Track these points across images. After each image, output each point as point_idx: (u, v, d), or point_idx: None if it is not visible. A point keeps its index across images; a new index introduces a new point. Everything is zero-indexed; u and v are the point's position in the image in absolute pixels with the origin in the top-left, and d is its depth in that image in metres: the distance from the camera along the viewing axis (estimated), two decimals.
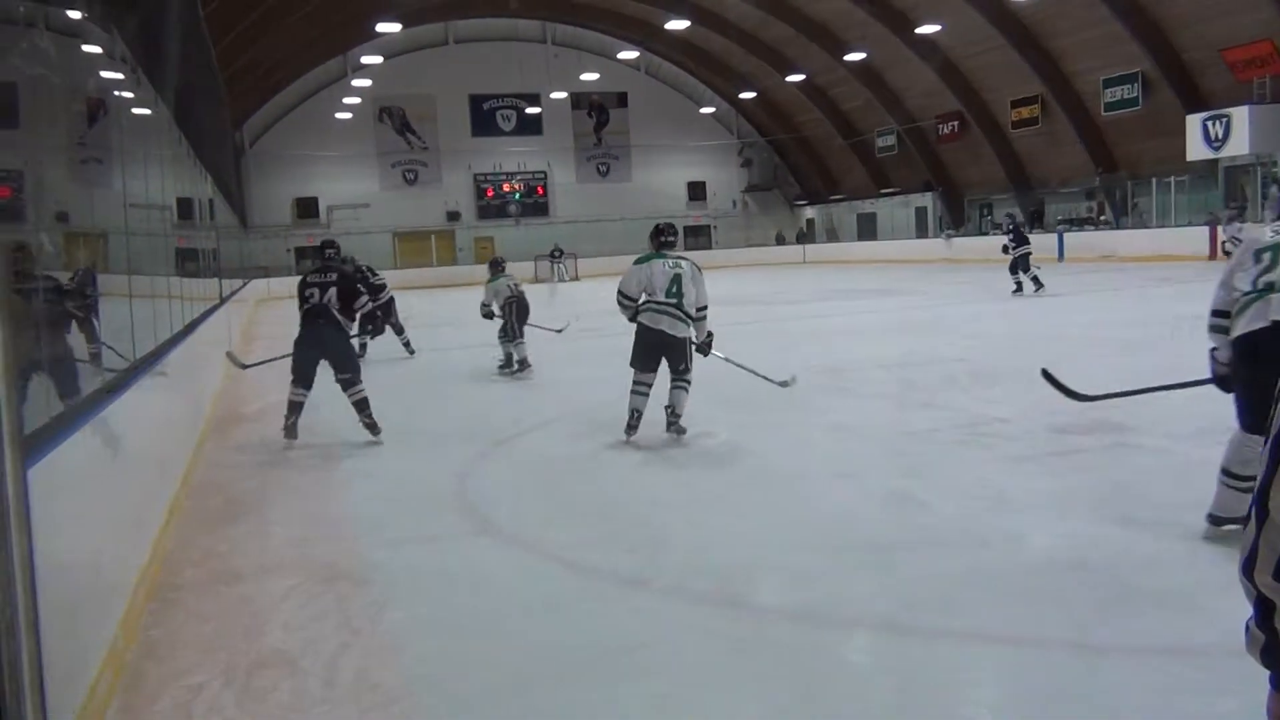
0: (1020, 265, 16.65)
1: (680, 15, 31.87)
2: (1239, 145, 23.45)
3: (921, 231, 36.79)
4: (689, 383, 6.67)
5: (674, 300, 6.53)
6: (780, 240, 42.68)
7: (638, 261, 6.75)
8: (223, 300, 14.06)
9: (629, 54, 38.53)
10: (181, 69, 8.80)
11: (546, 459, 6.65)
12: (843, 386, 8.74)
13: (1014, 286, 16.67)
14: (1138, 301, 13.16)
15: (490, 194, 41.59)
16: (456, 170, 40.85)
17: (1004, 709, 2.98)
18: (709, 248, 41.90)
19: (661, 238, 6.80)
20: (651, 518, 5.04)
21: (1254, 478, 2.95)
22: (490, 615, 3.82)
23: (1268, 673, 1.12)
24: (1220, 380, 4.23)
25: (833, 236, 42.20)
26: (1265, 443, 1.06)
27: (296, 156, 38.00)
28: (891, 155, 37.77)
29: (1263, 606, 1.10)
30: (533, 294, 12.51)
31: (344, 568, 4.43)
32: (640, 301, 6.65)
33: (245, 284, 23.53)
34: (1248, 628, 1.13)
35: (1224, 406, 6.22)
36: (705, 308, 6.67)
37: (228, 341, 13.01)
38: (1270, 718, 1.13)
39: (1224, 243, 18.43)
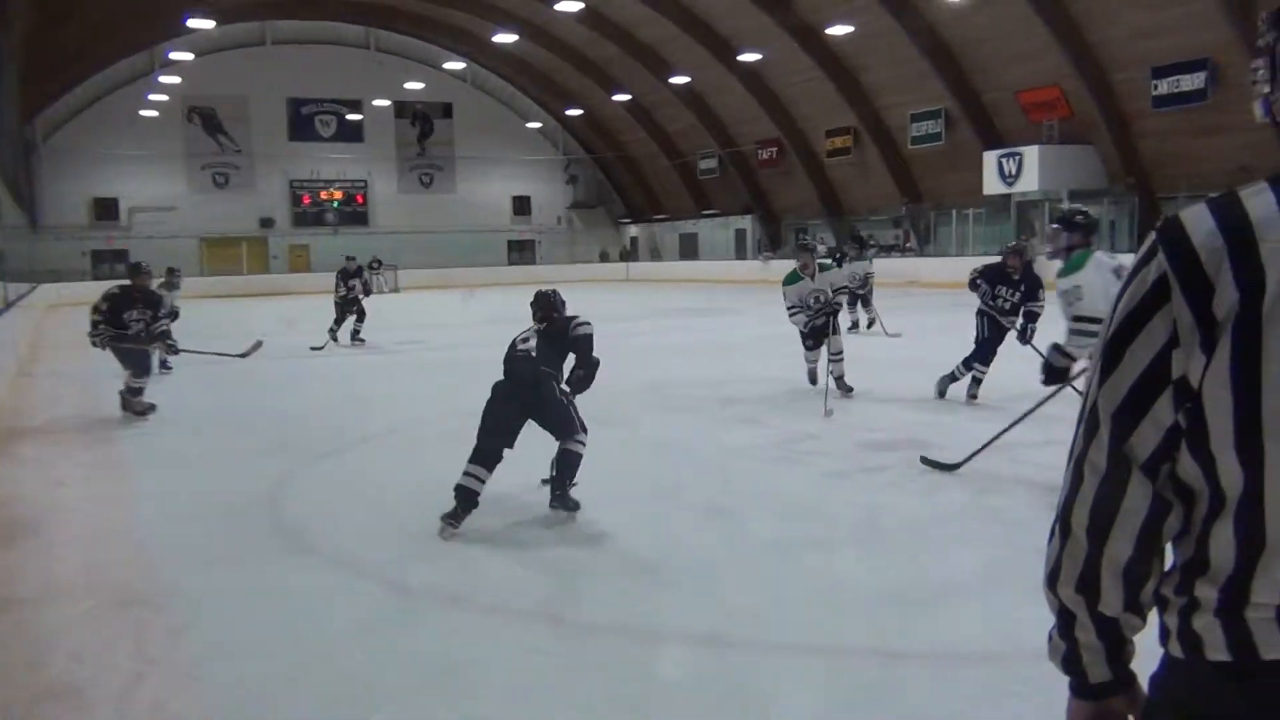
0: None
1: (508, 29, 31.80)
2: (1030, 182, 25.23)
3: (741, 253, 37.82)
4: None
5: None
6: (604, 257, 43.07)
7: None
8: (8, 305, 13.05)
9: (455, 64, 38.16)
10: None
11: (366, 475, 6.45)
12: (665, 404, 8.85)
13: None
14: (940, 325, 13.90)
15: (307, 201, 40.24)
16: (271, 175, 39.32)
17: (815, 717, 3.06)
18: (533, 263, 41.85)
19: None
20: (472, 536, 4.94)
21: None
22: (300, 639, 3.64)
23: (1068, 679, 1.18)
24: (1055, 373, 5.26)
25: (655, 255, 42.87)
26: (1068, 463, 1.12)
27: (96, 154, 35.66)
28: (713, 178, 38.75)
29: (1065, 617, 1.15)
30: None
31: (139, 591, 4.15)
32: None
33: (33, 288, 21.90)
34: (1050, 637, 1.19)
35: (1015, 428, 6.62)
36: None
37: (11, 349, 12.06)
38: None
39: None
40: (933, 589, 4.00)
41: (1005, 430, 5.72)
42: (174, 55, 33.72)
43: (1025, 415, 5.74)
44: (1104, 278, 5.29)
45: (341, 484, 6.24)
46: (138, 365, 8.51)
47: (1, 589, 4.25)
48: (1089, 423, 1.09)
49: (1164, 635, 1.08)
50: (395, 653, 3.46)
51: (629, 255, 43.49)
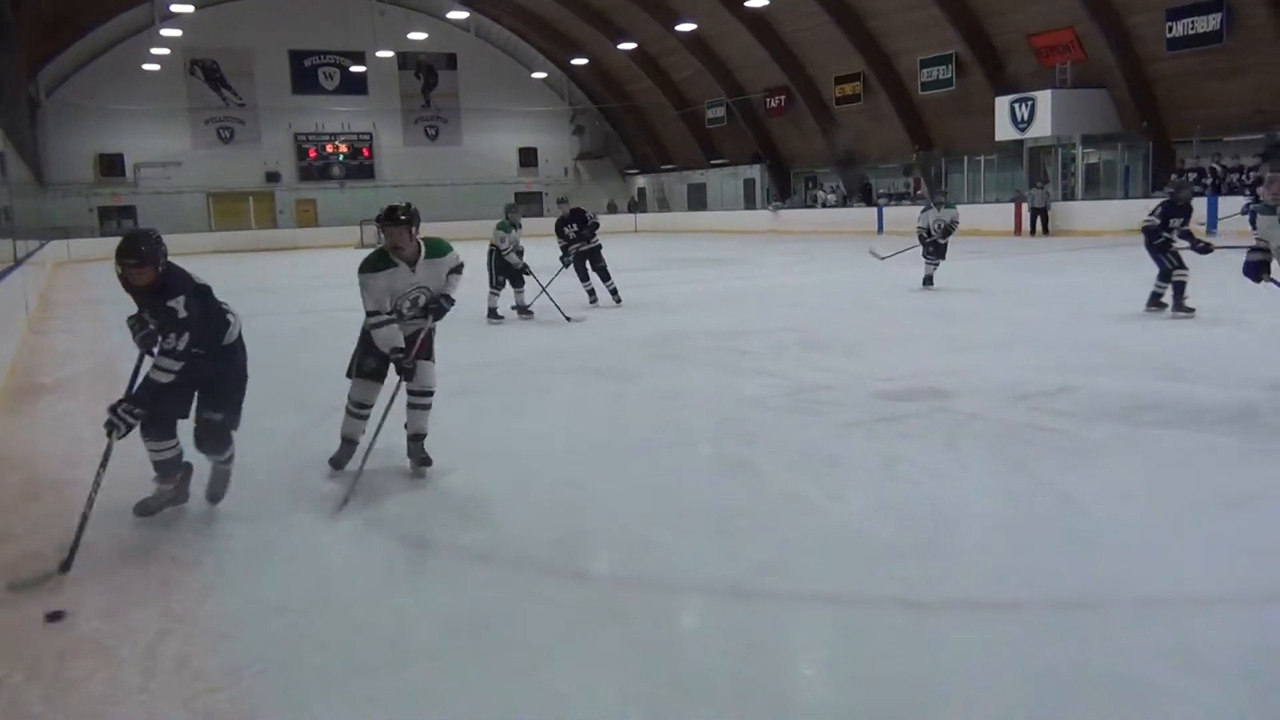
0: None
1: None
2: (1042, 127, 24.91)
3: (750, 203, 37.58)
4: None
5: None
6: (612, 209, 42.78)
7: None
8: (17, 262, 13.03)
9: (459, 14, 37.66)
10: None
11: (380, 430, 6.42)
12: (676, 355, 8.81)
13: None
14: (952, 273, 13.79)
15: (313, 155, 40.02)
16: (276, 129, 39.06)
17: (839, 666, 3.06)
18: (540, 215, 41.55)
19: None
20: (489, 490, 4.95)
21: None
22: (323, 595, 3.65)
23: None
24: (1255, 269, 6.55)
25: (664, 206, 42.61)
26: None
27: (99, 109, 35.42)
28: (721, 127, 38.37)
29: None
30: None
31: (164, 549, 4.16)
32: None
33: (42, 245, 21.87)
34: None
35: (1029, 375, 6.59)
36: None
37: (22, 307, 12.07)
38: None
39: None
40: (955, 539, 3.99)
41: None
42: (174, 8, 33.16)
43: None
44: None
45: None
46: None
47: (25, 545, 4.27)
48: None
49: None
50: (421, 609, 3.47)
51: (637, 206, 43.21)
